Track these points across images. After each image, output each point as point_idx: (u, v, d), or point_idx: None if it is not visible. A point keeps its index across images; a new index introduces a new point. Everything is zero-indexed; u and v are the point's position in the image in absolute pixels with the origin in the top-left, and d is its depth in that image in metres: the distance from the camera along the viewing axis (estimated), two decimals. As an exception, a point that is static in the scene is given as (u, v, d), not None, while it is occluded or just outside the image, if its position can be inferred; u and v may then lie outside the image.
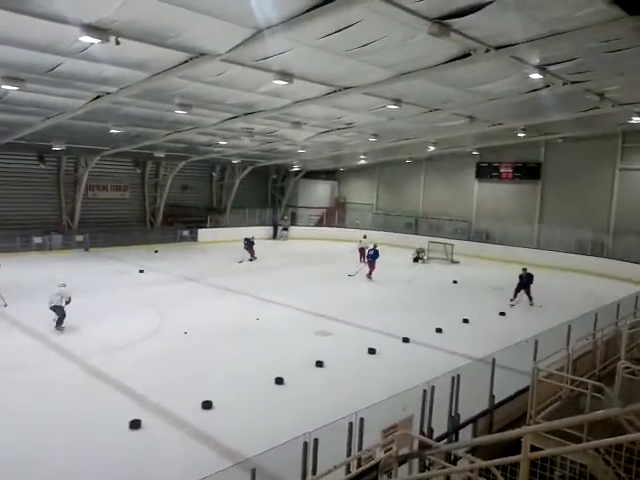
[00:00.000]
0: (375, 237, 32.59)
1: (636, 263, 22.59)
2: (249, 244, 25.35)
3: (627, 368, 6.33)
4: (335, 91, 15.37)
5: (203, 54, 11.56)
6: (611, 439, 3.28)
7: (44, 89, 14.60)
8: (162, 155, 28.44)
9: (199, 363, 11.27)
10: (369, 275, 21.39)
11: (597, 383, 6.37)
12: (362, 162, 34.46)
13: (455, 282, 21.57)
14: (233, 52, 11.17)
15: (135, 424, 8.20)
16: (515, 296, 17.53)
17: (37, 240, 25.72)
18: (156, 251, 27.22)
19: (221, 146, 27.00)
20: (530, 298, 17.47)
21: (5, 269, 18.43)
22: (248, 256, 25.05)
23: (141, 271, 21.52)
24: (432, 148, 28.25)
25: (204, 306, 16.29)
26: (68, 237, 27.06)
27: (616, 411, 4.74)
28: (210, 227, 32.68)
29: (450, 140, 26.23)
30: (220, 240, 31.18)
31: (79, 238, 27.04)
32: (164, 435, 8.20)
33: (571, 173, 27.18)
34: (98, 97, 15.58)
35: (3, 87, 13.74)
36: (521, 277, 17.54)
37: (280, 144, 27.08)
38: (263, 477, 5.25)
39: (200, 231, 31.86)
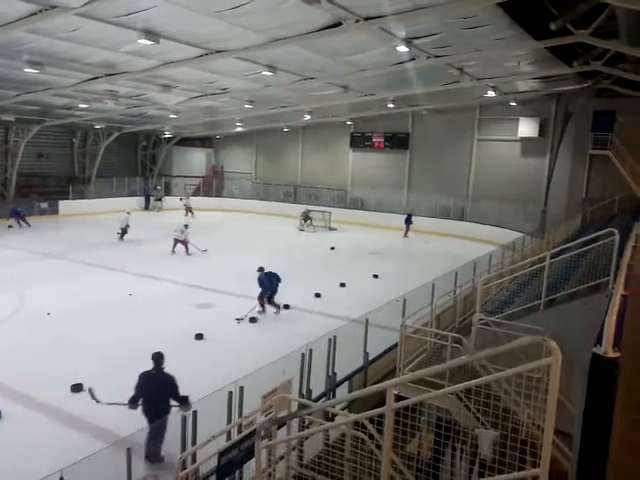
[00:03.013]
0: (255, 206, 32.66)
1: (490, 225, 25.03)
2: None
3: (481, 320, 7.02)
4: (206, 54, 14.76)
5: (54, 6, 10.41)
6: (464, 383, 3.62)
7: None
8: (11, 119, 25.42)
9: (67, 345, 10.49)
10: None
11: (456, 335, 6.99)
12: (239, 129, 33.81)
13: (333, 248, 22.29)
14: (89, 6, 10.20)
15: (-8, 415, 7.47)
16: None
17: None
18: (10, 226, 24.56)
19: (82, 109, 24.78)
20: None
21: None
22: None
23: (-7, 248, 19.34)
24: (308, 117, 28.52)
25: (70, 284, 15.11)
26: None
27: (468, 358, 5.25)
28: (73, 198, 30.06)
29: (325, 109, 26.68)
30: (85, 212, 28.93)
31: None
32: (28, 423, 7.57)
33: (435, 143, 29.12)
34: None
35: None
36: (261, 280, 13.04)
37: (149, 108, 25.54)
38: (139, 455, 5.08)
39: (61, 203, 29.19)
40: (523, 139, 26.34)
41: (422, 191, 29.33)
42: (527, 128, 25.92)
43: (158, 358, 6.85)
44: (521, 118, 26.05)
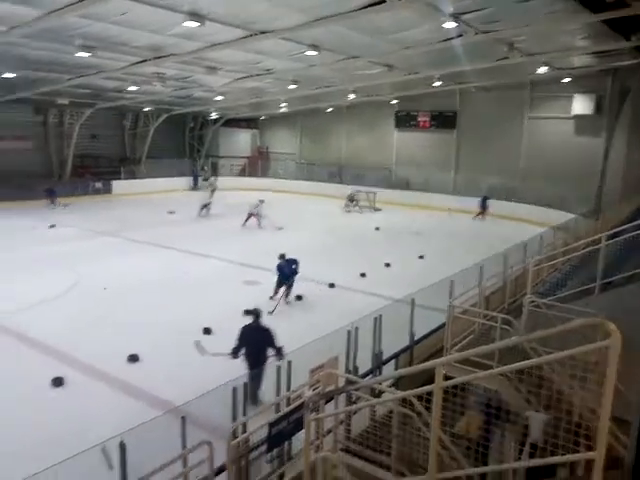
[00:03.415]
0: (299, 187, 32.73)
1: (541, 206, 24.24)
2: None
3: (532, 302, 6.88)
4: (251, 35, 14.76)
5: (105, -10, 10.63)
6: (513, 365, 3.58)
7: None
8: (66, 102, 26.33)
9: (122, 318, 10.95)
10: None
11: (506, 316, 6.89)
12: (283, 110, 33.82)
13: (377, 229, 22.19)
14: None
15: (57, 382, 7.93)
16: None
17: None
18: (66, 205, 25.64)
19: (131, 92, 25.34)
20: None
21: None
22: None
23: (52, 226, 20.26)
24: (352, 96, 28.20)
25: (124, 261, 15.71)
26: (-36, 192, 24.71)
27: (517, 339, 5.18)
28: (125, 179, 31.06)
29: (369, 88, 26.30)
30: (136, 192, 29.86)
31: (-24, 193, 24.77)
32: (90, 390, 8.00)
33: (484, 122, 28.29)
34: (-15, 36, 14.01)
35: None
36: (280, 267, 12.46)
37: (196, 90, 25.87)
38: (194, 424, 5.28)
39: (114, 183, 30.23)
40: (577, 117, 25.24)
41: (469, 171, 28.68)
42: (581, 105, 24.79)
43: (258, 313, 7.92)
44: (575, 95, 24.94)
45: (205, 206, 24.04)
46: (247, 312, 8.09)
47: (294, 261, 12.34)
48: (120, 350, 9.05)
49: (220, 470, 4.55)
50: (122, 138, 33.61)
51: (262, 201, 21.89)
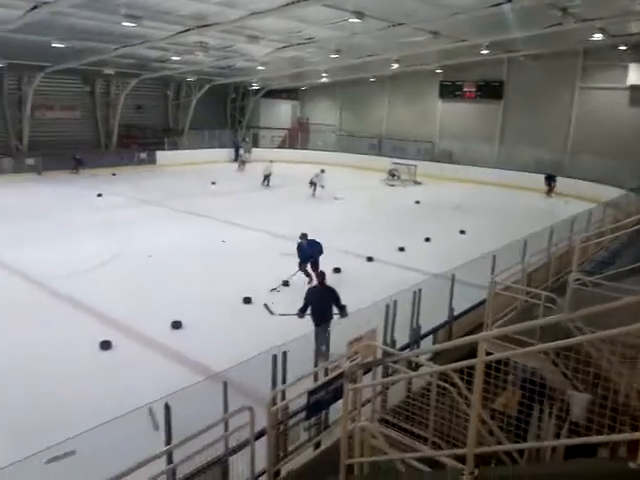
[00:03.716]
0: (338, 159, 32.44)
1: (591, 181, 23.32)
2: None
3: (578, 280, 6.68)
4: (293, 2, 14.54)
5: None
6: (556, 342, 3.51)
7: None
8: (112, 72, 26.81)
9: (166, 285, 11.29)
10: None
11: (549, 294, 6.73)
12: (324, 80, 33.40)
13: (418, 202, 21.90)
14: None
15: (105, 345, 8.30)
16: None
17: (-15, 163, 24.44)
18: (113, 174, 26.36)
19: (174, 62, 25.56)
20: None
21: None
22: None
23: (99, 195, 20.90)
24: (395, 66, 27.55)
25: (168, 229, 16.11)
26: (18, 160, 25.73)
27: (562, 316, 5.06)
28: (168, 149, 31.58)
29: (414, 57, 25.63)
30: (179, 163, 30.34)
31: (30, 161, 25.76)
32: (135, 354, 8.35)
33: (532, 92, 27.19)
34: (35, 7, 14.30)
35: None
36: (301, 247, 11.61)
37: (238, 60, 25.86)
38: (235, 390, 5.45)
39: (158, 153, 30.81)
40: (633, 87, 23.91)
41: (515, 143, 27.76)
42: (637, 75, 23.45)
43: (323, 275, 8.61)
44: (631, 64, 23.59)
45: (267, 177, 24.70)
46: (318, 275, 8.76)
47: (316, 243, 11.50)
48: (164, 316, 9.36)
49: (259, 435, 4.69)
50: (165, 109, 34.05)
51: (323, 171, 22.69)
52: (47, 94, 27.49)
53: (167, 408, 4.57)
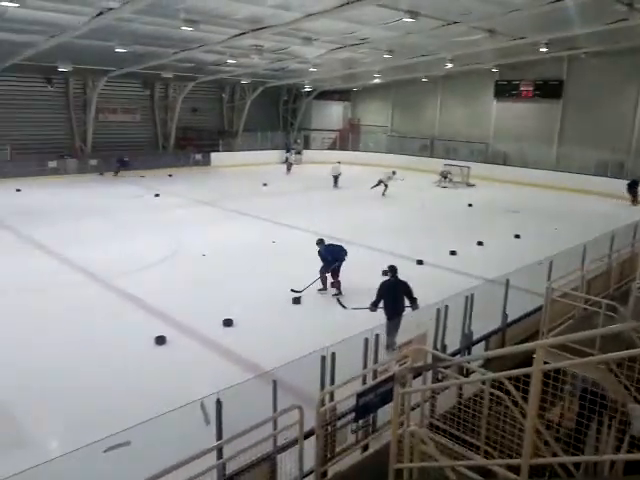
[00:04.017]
0: (390, 160, 32.20)
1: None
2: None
3: (641, 288, 6.37)
4: (347, 3, 14.56)
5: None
6: (619, 352, 3.36)
7: (44, 5, 14.10)
8: (170, 75, 27.68)
9: (218, 284, 11.54)
10: None
11: (611, 302, 6.44)
12: (377, 81, 33.23)
13: (470, 205, 21.44)
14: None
15: (160, 340, 8.58)
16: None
17: (52, 164, 25.85)
18: (170, 175, 27.22)
19: (230, 65, 26.13)
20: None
21: (25, 193, 18.66)
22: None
23: (157, 195, 21.65)
24: (449, 65, 27.07)
25: (221, 229, 16.50)
26: (82, 161, 27.06)
27: (626, 325, 4.82)
28: (222, 151, 32.34)
29: (468, 56, 25.08)
30: (233, 164, 30.97)
31: (93, 162, 27.06)
32: (188, 350, 8.58)
33: (594, 91, 26.04)
34: (101, 13, 14.98)
35: (2, 3, 13.24)
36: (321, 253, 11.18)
37: (291, 62, 26.12)
38: (284, 389, 5.50)
39: (213, 155, 31.60)
40: None
41: (574, 144, 26.68)
42: None
43: (395, 269, 8.72)
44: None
45: (336, 178, 25.41)
46: (384, 272, 8.94)
47: (339, 247, 11.10)
48: (215, 314, 9.57)
49: (307, 435, 4.72)
50: (220, 111, 34.85)
51: (394, 172, 23.28)
52: (110, 97, 28.74)
53: (219, 403, 4.67)
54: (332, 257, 10.83)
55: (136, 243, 14.49)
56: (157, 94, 30.80)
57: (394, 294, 8.42)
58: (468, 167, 27.02)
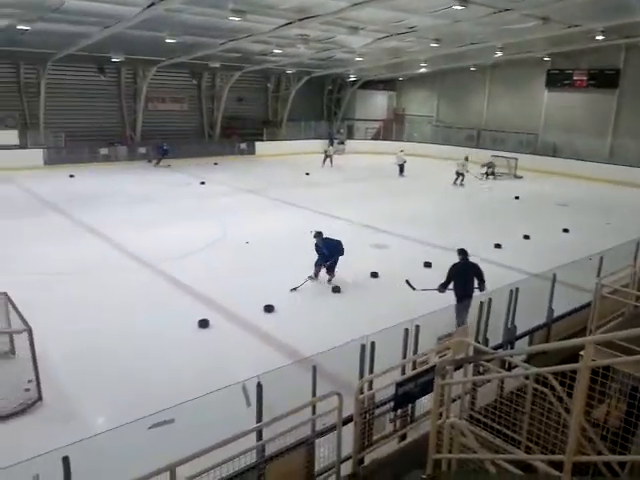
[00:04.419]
0: (434, 151, 31.74)
1: None
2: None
3: (699, 286, 6.08)
4: (396, -10, 14.37)
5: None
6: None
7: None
8: (217, 65, 28.07)
9: (260, 271, 11.71)
10: None
11: (664, 300, 6.18)
12: (423, 70, 32.71)
13: (517, 198, 20.89)
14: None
15: (204, 323, 8.80)
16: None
17: (104, 152, 26.81)
18: (215, 163, 27.68)
19: (276, 55, 26.25)
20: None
21: (78, 179, 19.41)
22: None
23: (202, 183, 22.10)
24: (499, 54, 26.33)
25: (264, 218, 16.71)
26: (132, 149, 27.90)
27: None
28: (267, 140, 32.63)
29: (520, 45, 24.29)
30: (276, 153, 31.20)
31: (142, 150, 27.87)
32: (230, 334, 8.77)
33: (654, 81, 24.83)
34: (152, 4, 15.31)
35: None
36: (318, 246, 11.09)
37: (337, 52, 26.01)
38: (321, 375, 5.56)
39: (257, 144, 31.93)
40: None
41: (631, 136, 25.51)
42: None
43: (465, 252, 8.93)
44: None
45: (401, 167, 25.81)
46: (459, 251, 9.03)
47: (337, 244, 10.87)
48: (257, 299, 9.73)
49: (345, 422, 4.77)
50: (265, 101, 35.13)
51: (467, 158, 23.64)
52: (159, 87, 29.44)
53: (259, 387, 4.76)
54: (328, 251, 10.72)
55: (182, 229, 14.85)
56: (204, 84, 31.32)
57: (465, 276, 8.61)
58: (515, 158, 26.29)
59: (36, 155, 24.90)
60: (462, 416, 4.62)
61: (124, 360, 7.76)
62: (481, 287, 8.52)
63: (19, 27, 18.04)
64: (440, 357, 5.58)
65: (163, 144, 26.70)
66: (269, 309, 9.46)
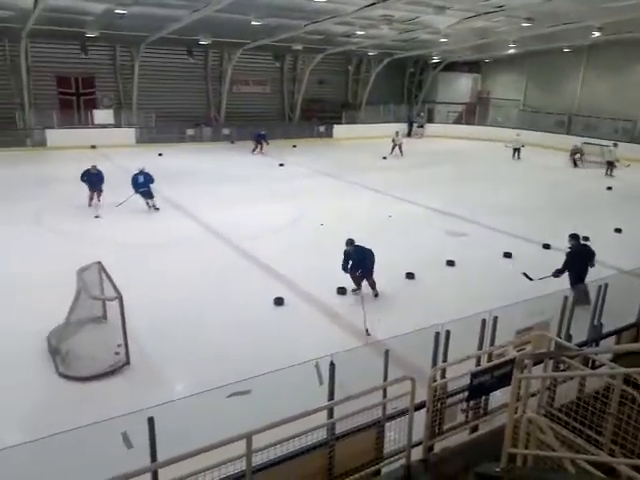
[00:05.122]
0: (521, 136, 30.24)
1: None
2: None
3: None
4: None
5: None
6: None
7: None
8: (300, 47, 28.24)
9: (334, 253, 11.75)
10: None
11: None
12: (511, 51, 31.14)
13: (609, 189, 19.57)
14: None
15: (279, 301, 9.05)
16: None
17: (190, 132, 28.07)
18: (294, 146, 28.05)
19: (358, 36, 26.01)
20: None
21: (166, 158, 20.46)
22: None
23: (281, 165, 22.51)
24: (597, 34, 24.50)
25: (339, 200, 16.80)
26: (216, 130, 28.90)
27: None
28: (345, 123, 32.56)
29: (621, 24, 22.45)
30: (354, 137, 31.07)
31: (225, 131, 28.81)
32: (304, 313, 8.96)
33: None
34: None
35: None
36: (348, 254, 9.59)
37: (420, 32, 25.32)
38: (396, 361, 5.55)
39: (335, 127, 31.95)
40: None
41: None
42: None
43: (577, 236, 9.23)
44: None
45: (516, 150, 25.76)
46: (571, 236, 9.24)
47: (368, 252, 9.53)
48: (331, 281, 9.82)
49: (416, 408, 4.75)
50: (345, 83, 35.00)
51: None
52: (243, 70, 30.16)
53: (332, 366, 4.84)
54: (358, 258, 9.37)
55: (261, 209, 15.25)
56: (286, 66, 31.70)
57: (583, 260, 8.85)
58: (610, 146, 24.53)
59: (129, 134, 26.50)
60: (539, 412, 4.47)
61: (203, 331, 8.15)
62: (590, 264, 8.89)
63: (117, 11, 19.08)
64: (518, 350, 5.41)
65: (260, 130, 26.03)
66: (342, 291, 9.54)
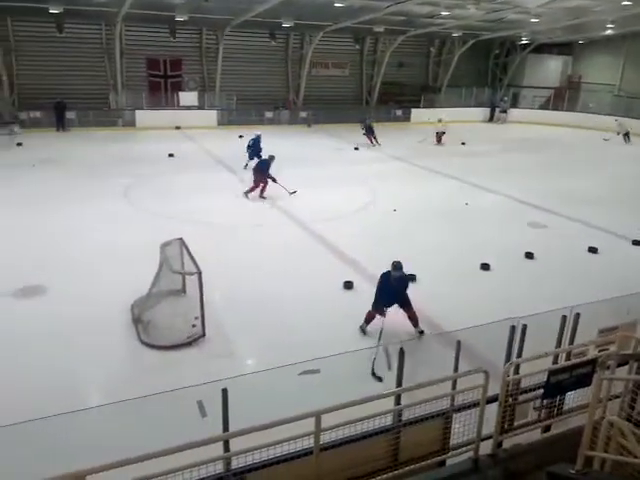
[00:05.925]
0: (612, 124, 28.21)
1: None
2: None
3: None
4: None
5: None
6: None
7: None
8: (381, 29, 27.76)
9: (405, 239, 11.64)
10: None
11: None
12: (608, 32, 28.93)
13: None
14: None
15: (348, 285, 9.10)
16: None
17: (269, 115, 28.53)
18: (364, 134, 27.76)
19: (443, 17, 25.14)
20: None
21: (246, 140, 20.87)
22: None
23: (356, 148, 22.43)
24: None
25: (413, 186, 16.52)
26: (294, 113, 29.21)
27: None
28: (424, 107, 31.78)
29: None
30: (433, 121, 30.27)
31: (303, 114, 29.05)
32: (372, 298, 8.92)
33: None
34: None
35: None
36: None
37: (509, 12, 24.08)
38: (467, 353, 5.44)
39: (413, 111, 31.29)
40: None
41: None
42: None
43: None
44: None
45: (626, 135, 25.16)
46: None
47: (406, 278, 7.83)
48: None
49: (488, 401, 4.64)
50: (426, 66, 34.10)
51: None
52: (323, 52, 30.14)
53: (402, 352, 4.82)
54: (397, 288, 7.60)
55: (334, 193, 15.29)
56: (366, 49, 31.31)
57: None
58: None
59: (211, 116, 27.36)
60: (621, 415, 4.24)
61: (275, 310, 8.36)
62: None
63: (204, -6, 19.66)
64: (600, 350, 5.14)
65: (366, 118, 24.25)
66: (412, 278, 9.41)
